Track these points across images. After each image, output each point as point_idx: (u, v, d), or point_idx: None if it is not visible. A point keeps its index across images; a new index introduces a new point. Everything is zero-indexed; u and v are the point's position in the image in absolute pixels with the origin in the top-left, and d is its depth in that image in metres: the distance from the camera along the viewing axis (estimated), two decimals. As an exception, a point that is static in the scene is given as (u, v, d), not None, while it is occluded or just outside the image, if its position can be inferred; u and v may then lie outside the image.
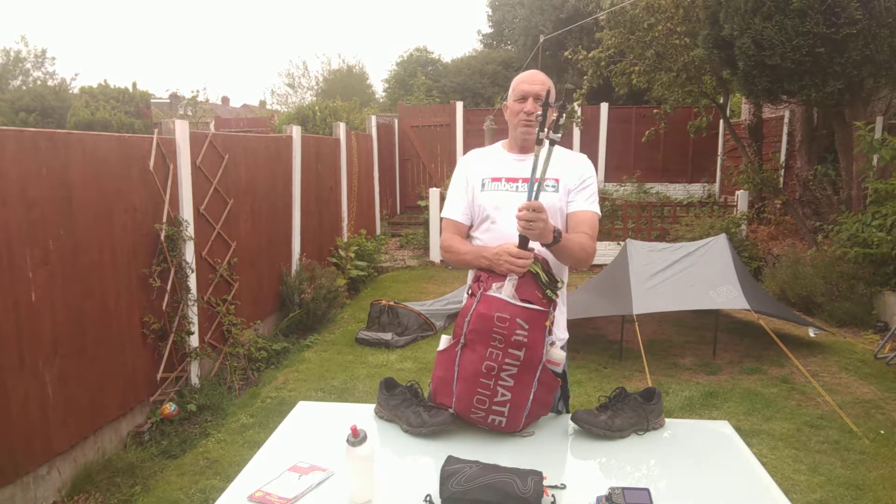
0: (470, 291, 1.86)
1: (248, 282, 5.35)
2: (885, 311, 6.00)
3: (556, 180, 2.09)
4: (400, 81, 23.84)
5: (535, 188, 1.81)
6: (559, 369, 1.84)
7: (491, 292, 1.78)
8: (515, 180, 2.09)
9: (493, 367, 1.74)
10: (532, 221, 1.76)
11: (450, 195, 2.22)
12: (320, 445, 1.78)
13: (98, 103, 11.63)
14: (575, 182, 2.10)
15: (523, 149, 2.14)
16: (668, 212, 9.17)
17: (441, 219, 2.23)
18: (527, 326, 1.72)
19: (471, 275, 2.14)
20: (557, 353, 1.82)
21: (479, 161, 2.20)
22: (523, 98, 2.07)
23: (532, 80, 2.07)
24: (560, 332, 2.14)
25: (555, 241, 1.83)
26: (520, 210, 1.78)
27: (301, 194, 6.49)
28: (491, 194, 2.10)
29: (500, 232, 2.06)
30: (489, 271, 1.87)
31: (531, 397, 1.78)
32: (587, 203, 2.10)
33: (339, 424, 1.78)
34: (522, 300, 1.75)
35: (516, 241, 1.87)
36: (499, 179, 2.11)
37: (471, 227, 2.18)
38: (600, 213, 2.12)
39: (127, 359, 3.80)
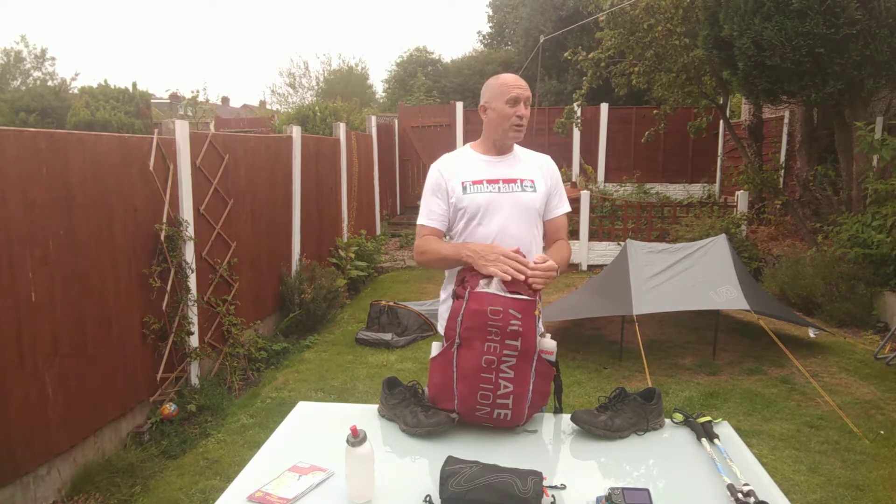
0: (456, 295, 1.86)
1: (248, 282, 5.35)
2: (885, 311, 6.00)
3: (532, 181, 2.18)
4: (400, 82, 23.86)
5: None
6: (553, 358, 1.88)
7: (479, 289, 1.81)
8: (496, 181, 2.15)
9: (493, 360, 1.76)
10: (548, 279, 1.87)
11: (424, 203, 2.21)
12: (320, 445, 1.78)
13: (98, 103, 11.63)
14: (549, 185, 2.22)
15: (500, 151, 2.20)
16: (668, 212, 9.16)
17: (417, 226, 2.22)
18: (520, 316, 1.76)
19: (448, 275, 2.20)
20: (549, 343, 1.87)
21: (453, 166, 2.21)
22: (516, 101, 2.09)
23: (522, 85, 2.13)
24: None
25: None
26: (535, 266, 1.84)
27: (301, 194, 6.49)
28: (475, 196, 2.13)
29: (484, 233, 2.11)
30: (472, 269, 1.90)
31: (531, 387, 1.80)
32: (563, 206, 2.26)
33: (339, 424, 1.77)
34: (511, 292, 1.80)
35: (500, 242, 2.01)
36: (480, 182, 2.15)
37: (448, 231, 2.21)
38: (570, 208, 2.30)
39: (127, 359, 3.80)
